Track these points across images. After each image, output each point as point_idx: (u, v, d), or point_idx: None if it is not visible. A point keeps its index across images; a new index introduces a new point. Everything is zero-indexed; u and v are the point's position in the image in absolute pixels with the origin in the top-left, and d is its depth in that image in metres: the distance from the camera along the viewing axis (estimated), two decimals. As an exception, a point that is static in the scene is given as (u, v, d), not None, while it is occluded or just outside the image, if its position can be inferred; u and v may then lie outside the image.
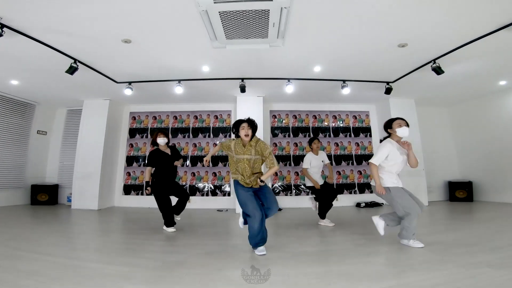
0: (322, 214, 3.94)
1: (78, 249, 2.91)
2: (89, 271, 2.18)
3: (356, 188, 6.12)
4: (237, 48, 3.66)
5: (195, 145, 6.26)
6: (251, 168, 2.67)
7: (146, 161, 3.84)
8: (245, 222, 2.79)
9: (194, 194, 6.02)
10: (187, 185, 6.06)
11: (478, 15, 2.90)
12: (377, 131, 6.40)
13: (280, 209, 5.66)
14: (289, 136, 6.32)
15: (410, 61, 4.14)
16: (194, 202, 5.92)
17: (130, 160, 6.27)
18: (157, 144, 3.68)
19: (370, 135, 6.41)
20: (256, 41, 3.50)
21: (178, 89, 4.83)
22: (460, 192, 6.06)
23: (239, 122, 2.72)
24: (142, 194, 6.07)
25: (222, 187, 6.06)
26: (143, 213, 5.15)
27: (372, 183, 2.93)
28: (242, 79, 4.75)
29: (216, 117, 6.39)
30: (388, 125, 2.93)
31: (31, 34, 3.24)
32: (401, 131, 2.79)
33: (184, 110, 6.43)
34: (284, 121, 6.40)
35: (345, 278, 2.00)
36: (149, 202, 5.88)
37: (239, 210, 5.22)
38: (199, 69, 4.42)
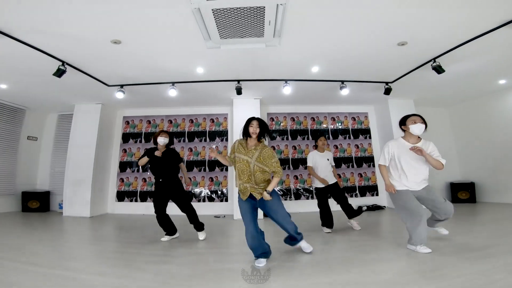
0: (325, 222, 3.74)
1: (65, 258, 2.74)
2: (76, 282, 2.03)
3: (357, 191, 5.98)
4: (232, 48, 3.53)
5: (190, 149, 6.10)
6: (250, 172, 2.45)
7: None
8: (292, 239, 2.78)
9: (190, 200, 5.83)
10: (183, 191, 5.88)
11: (479, 12, 2.83)
12: (376, 133, 6.31)
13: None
14: (287, 139, 6.18)
15: (409, 60, 4.04)
16: (190, 209, 5.76)
17: (123, 166, 6.08)
18: (157, 144, 3.50)
19: (370, 137, 6.30)
20: (252, 41, 3.38)
21: (172, 92, 4.68)
22: (462, 193, 5.95)
23: (249, 120, 2.58)
24: (136, 200, 5.88)
25: (219, 193, 5.89)
26: (137, 220, 4.97)
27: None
28: (238, 81, 4.62)
29: (212, 120, 6.25)
30: (402, 122, 2.77)
31: (16, 36, 3.10)
32: (415, 128, 2.63)
33: (179, 113, 6.27)
34: (282, 123, 6.27)
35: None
36: (143, 209, 5.71)
37: (236, 216, 5.06)
38: (193, 71, 4.28)
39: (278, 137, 6.17)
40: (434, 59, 3.87)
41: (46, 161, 6.49)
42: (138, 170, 5.99)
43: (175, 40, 3.36)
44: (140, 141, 6.19)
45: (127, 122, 6.31)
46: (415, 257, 2.46)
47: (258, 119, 2.55)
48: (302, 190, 5.90)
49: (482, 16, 2.91)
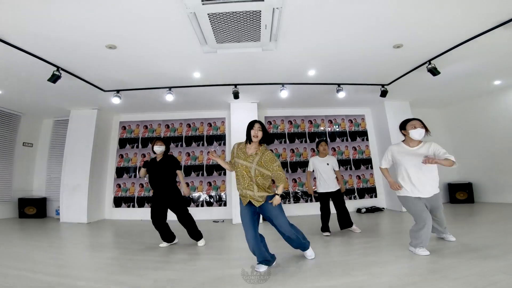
0: (324, 227, 3.73)
1: (65, 265, 2.71)
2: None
3: (356, 194, 5.97)
4: (229, 52, 3.54)
5: (188, 154, 6.07)
6: (250, 178, 2.40)
7: None
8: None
9: (188, 205, 5.80)
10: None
11: (473, 13, 2.85)
12: (373, 135, 6.32)
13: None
14: (285, 142, 6.18)
15: (405, 62, 4.07)
16: (189, 214, 5.72)
17: (120, 172, 6.03)
18: (155, 152, 3.48)
19: (367, 139, 6.32)
20: (248, 45, 3.38)
21: (169, 97, 4.67)
22: (460, 193, 5.96)
23: (252, 122, 2.51)
24: (133, 206, 5.82)
25: (218, 197, 5.85)
26: (135, 226, 4.91)
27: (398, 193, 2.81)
28: (235, 85, 4.61)
29: (210, 124, 6.23)
30: (402, 127, 2.78)
31: (9, 40, 3.06)
32: (415, 133, 2.63)
33: (176, 118, 6.25)
34: (279, 127, 6.26)
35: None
36: (141, 214, 5.66)
37: (235, 221, 5.02)
38: (190, 76, 4.27)
39: (276, 140, 6.16)
40: (429, 61, 3.89)
41: (42, 167, 6.43)
42: (135, 176, 5.94)
43: (171, 44, 3.35)
44: (137, 147, 6.14)
45: (124, 127, 6.28)
46: (414, 259, 2.46)
47: (260, 122, 2.52)
48: (300, 193, 5.88)
49: (476, 18, 2.93)
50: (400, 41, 3.43)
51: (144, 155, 6.03)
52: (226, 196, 5.82)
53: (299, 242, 2.60)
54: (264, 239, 2.53)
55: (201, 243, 3.46)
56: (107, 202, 5.89)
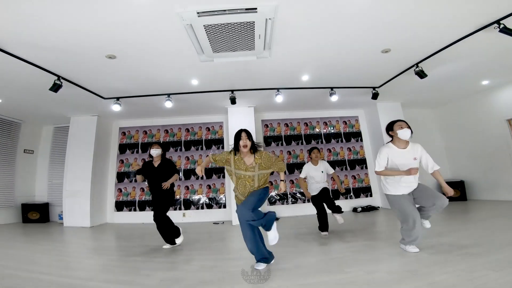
0: (322, 226, 3.80)
1: (73, 268, 2.84)
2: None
3: (352, 193, 6.13)
4: (225, 61, 3.68)
5: (187, 158, 6.20)
6: (252, 185, 2.48)
7: None
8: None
9: (189, 208, 5.93)
10: (181, 199, 5.96)
11: (456, 17, 2.97)
12: (367, 135, 6.49)
13: (277, 219, 5.58)
14: (282, 144, 6.33)
15: (394, 66, 4.23)
16: (189, 216, 5.84)
17: (120, 176, 6.14)
18: (152, 156, 3.58)
19: (361, 140, 6.49)
20: (243, 54, 3.54)
21: (168, 104, 4.80)
22: (453, 191, 6.11)
23: (238, 133, 2.52)
24: (134, 210, 5.93)
25: (217, 199, 5.98)
26: (136, 229, 5.04)
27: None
28: (232, 91, 4.76)
29: (208, 129, 6.37)
30: (390, 128, 2.86)
31: (10, 51, 3.15)
32: (402, 133, 2.71)
33: (175, 123, 6.38)
34: (276, 130, 6.41)
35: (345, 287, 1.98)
36: (142, 218, 5.78)
37: (235, 222, 5.15)
38: (188, 83, 4.41)
39: (273, 143, 6.32)
40: (417, 64, 4.06)
41: (43, 173, 6.54)
42: (135, 181, 6.06)
43: (169, 54, 3.49)
44: (137, 152, 6.27)
45: (124, 133, 6.40)
46: (406, 256, 2.58)
47: (246, 131, 2.53)
48: (298, 194, 6.02)
49: (460, 22, 3.06)
50: (388, 46, 3.59)
51: (144, 160, 6.15)
52: (225, 199, 5.95)
53: (259, 223, 2.45)
54: (262, 237, 2.63)
55: (165, 246, 3.50)
56: (108, 206, 6.01)
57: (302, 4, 2.64)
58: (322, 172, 3.86)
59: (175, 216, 5.75)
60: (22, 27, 2.75)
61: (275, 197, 6.03)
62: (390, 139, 2.91)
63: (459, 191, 6.07)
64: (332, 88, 4.88)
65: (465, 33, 3.29)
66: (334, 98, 4.95)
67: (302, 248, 3.20)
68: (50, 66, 3.62)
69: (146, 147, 6.23)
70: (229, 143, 5.55)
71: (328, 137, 6.43)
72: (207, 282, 2.26)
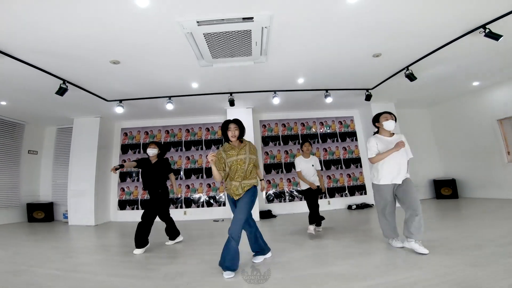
0: (312, 220, 3.84)
1: (82, 263, 3.02)
2: (97, 284, 2.32)
3: (347, 191, 6.33)
4: (223, 66, 3.86)
5: (188, 158, 6.38)
6: (244, 170, 2.54)
7: None
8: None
9: (189, 206, 6.12)
10: (182, 198, 6.15)
11: (445, 23, 3.11)
12: (362, 135, 6.67)
13: (274, 216, 5.80)
14: (279, 144, 6.52)
15: (385, 69, 4.41)
16: (190, 214, 6.04)
17: (123, 176, 6.33)
18: (148, 155, 3.68)
19: (356, 139, 6.68)
20: (241, 59, 3.71)
21: (169, 106, 4.97)
22: (445, 189, 6.32)
23: (226, 123, 2.60)
24: (137, 208, 6.12)
25: (217, 198, 6.17)
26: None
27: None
28: (231, 93, 4.93)
29: (208, 129, 6.55)
30: (376, 119, 3.00)
31: (18, 56, 3.28)
32: (388, 124, 2.84)
33: (175, 124, 6.56)
34: (273, 130, 6.60)
35: (334, 278, 2.18)
36: (144, 216, 5.96)
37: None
38: (189, 86, 4.59)
39: (270, 142, 6.50)
40: (407, 67, 4.24)
41: (47, 173, 6.72)
42: (138, 180, 6.24)
43: (171, 60, 3.66)
44: (139, 152, 6.45)
45: (126, 134, 6.58)
46: (392, 250, 2.77)
47: (235, 121, 2.62)
48: (295, 192, 6.22)
49: (447, 27, 3.21)
50: (379, 51, 3.76)
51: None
52: (225, 197, 6.14)
53: (226, 251, 2.45)
54: (258, 230, 2.78)
55: (169, 242, 3.65)
56: (112, 205, 6.20)
57: (296, 13, 2.80)
58: (313, 165, 3.96)
59: (177, 214, 5.96)
60: (29, 34, 2.85)
61: (272, 195, 6.22)
62: (376, 130, 3.03)
63: (451, 189, 6.26)
64: (327, 90, 5.06)
65: (452, 38, 3.44)
66: (329, 99, 5.13)
67: (296, 243, 3.40)
68: (57, 71, 3.77)
69: (147, 147, 6.37)
70: (228, 143, 5.72)
71: (324, 137, 6.62)
72: (208, 274, 2.45)
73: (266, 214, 5.72)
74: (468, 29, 3.26)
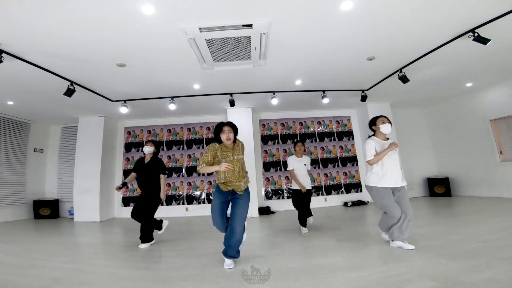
0: (303, 221, 3.87)
1: (92, 257, 3.21)
2: (107, 276, 2.51)
3: (343, 189, 6.52)
4: (224, 69, 4.04)
5: (189, 156, 6.57)
6: (239, 169, 2.64)
7: None
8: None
9: (191, 203, 6.32)
10: (184, 194, 6.35)
11: (435, 26, 3.23)
12: (358, 134, 6.86)
13: (273, 212, 6.00)
14: (278, 143, 6.71)
15: (379, 71, 4.58)
16: (192, 210, 6.24)
17: (127, 174, 6.51)
18: (144, 153, 3.73)
19: (353, 138, 6.87)
20: (241, 63, 3.89)
21: (172, 106, 5.16)
22: (438, 187, 6.50)
23: (220, 126, 2.60)
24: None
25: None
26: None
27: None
28: (231, 94, 5.11)
29: (209, 128, 6.73)
30: (373, 123, 3.06)
31: (28, 59, 3.42)
32: (385, 128, 2.91)
33: (177, 123, 6.75)
34: (272, 129, 6.78)
35: (325, 269, 2.36)
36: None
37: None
38: (191, 87, 4.76)
39: (269, 141, 6.69)
40: (400, 69, 4.40)
41: (52, 171, 6.92)
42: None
43: (174, 63, 3.84)
44: (142, 150, 6.60)
45: (129, 132, 6.76)
46: (382, 245, 2.94)
47: (229, 124, 2.62)
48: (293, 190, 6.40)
49: (438, 31, 3.33)
50: (373, 54, 3.93)
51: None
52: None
53: (235, 243, 2.57)
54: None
55: (142, 245, 3.48)
56: (116, 201, 6.41)
57: (293, 19, 2.97)
58: (305, 165, 4.00)
59: (179, 210, 6.17)
60: (39, 38, 2.99)
61: (271, 192, 6.42)
62: (372, 133, 3.10)
63: (444, 187, 6.44)
64: (323, 91, 5.23)
65: (443, 41, 3.60)
66: (326, 100, 5.31)
67: (292, 237, 3.60)
68: (65, 73, 3.93)
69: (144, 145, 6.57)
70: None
71: (322, 136, 6.81)
72: (210, 265, 2.65)
73: (265, 211, 5.93)
74: (457, 33, 3.40)
